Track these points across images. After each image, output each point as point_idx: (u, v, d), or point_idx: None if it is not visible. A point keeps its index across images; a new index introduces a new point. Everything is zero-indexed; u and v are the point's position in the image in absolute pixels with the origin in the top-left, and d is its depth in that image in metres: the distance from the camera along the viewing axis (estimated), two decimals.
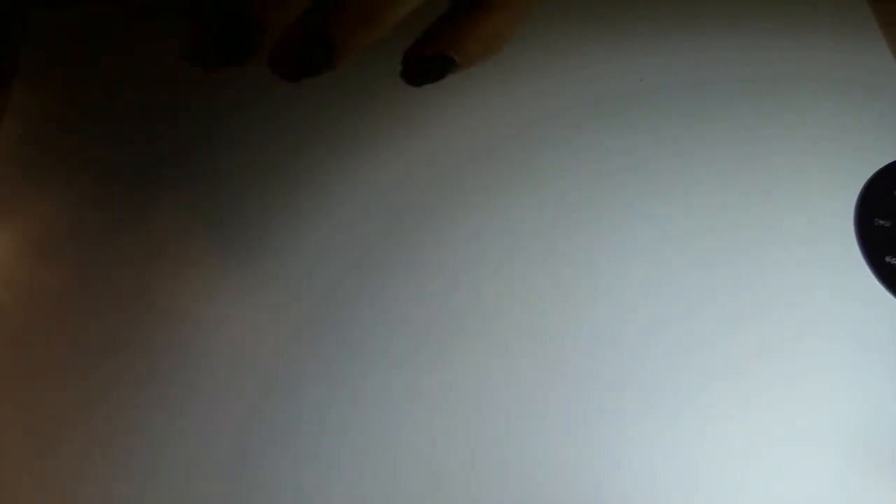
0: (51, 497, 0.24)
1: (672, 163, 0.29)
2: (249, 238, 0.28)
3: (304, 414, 0.25)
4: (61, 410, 0.25)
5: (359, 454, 0.24)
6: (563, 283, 0.27)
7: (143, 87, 0.32)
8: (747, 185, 0.29)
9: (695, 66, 0.32)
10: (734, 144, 0.30)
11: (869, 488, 0.23)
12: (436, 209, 0.29)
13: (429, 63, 0.24)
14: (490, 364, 0.25)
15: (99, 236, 0.29)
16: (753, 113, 0.30)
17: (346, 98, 0.32)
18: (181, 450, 0.24)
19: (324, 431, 0.24)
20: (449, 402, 0.25)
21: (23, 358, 0.26)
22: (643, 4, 0.34)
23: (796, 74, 0.31)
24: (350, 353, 0.26)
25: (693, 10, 0.34)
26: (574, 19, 0.34)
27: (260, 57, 0.20)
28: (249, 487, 0.24)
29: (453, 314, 0.26)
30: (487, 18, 0.24)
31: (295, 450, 0.24)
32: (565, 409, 0.24)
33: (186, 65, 0.20)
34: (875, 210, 0.27)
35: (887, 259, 0.26)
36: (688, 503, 0.23)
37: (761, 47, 0.32)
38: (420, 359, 0.26)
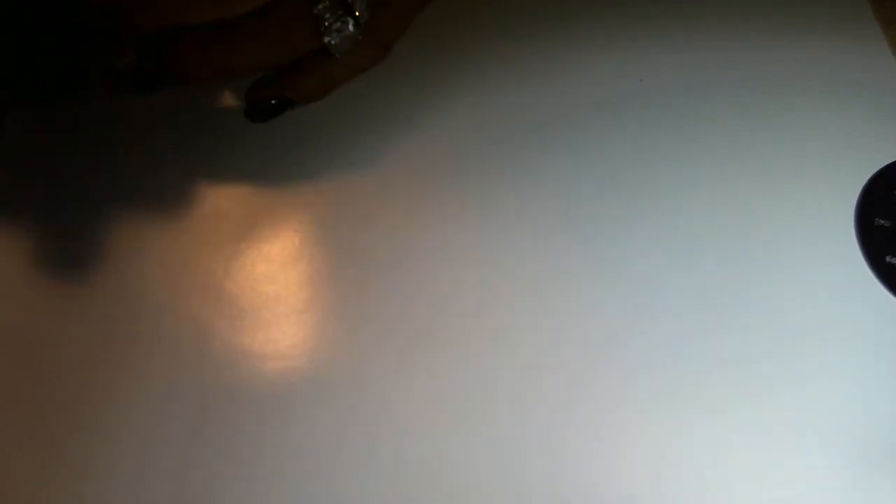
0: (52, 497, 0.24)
1: (672, 163, 0.29)
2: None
3: (297, 414, 0.25)
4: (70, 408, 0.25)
5: (354, 456, 0.24)
6: (561, 282, 0.27)
7: None
8: (747, 184, 0.29)
9: (695, 67, 0.32)
10: (734, 145, 0.30)
11: (869, 488, 0.23)
12: (434, 209, 0.29)
13: (269, 103, 0.29)
14: (488, 361, 0.25)
15: (97, 237, 0.29)
16: (753, 113, 0.30)
17: (343, 99, 0.32)
18: (175, 447, 0.24)
19: (318, 431, 0.25)
20: (443, 402, 0.25)
21: (23, 357, 0.26)
22: (643, 4, 0.34)
23: (796, 74, 0.31)
24: (346, 351, 0.26)
25: (693, 10, 0.34)
26: (574, 20, 0.34)
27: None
28: (248, 488, 0.24)
29: (452, 313, 0.26)
30: (324, 66, 0.29)
31: (286, 450, 0.24)
32: (562, 407, 0.24)
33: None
34: (875, 210, 0.27)
35: (887, 259, 0.26)
36: (686, 502, 0.23)
37: (761, 48, 0.32)
38: (417, 358, 0.26)
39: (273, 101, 0.29)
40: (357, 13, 0.28)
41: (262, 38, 0.27)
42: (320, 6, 0.27)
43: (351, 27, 0.28)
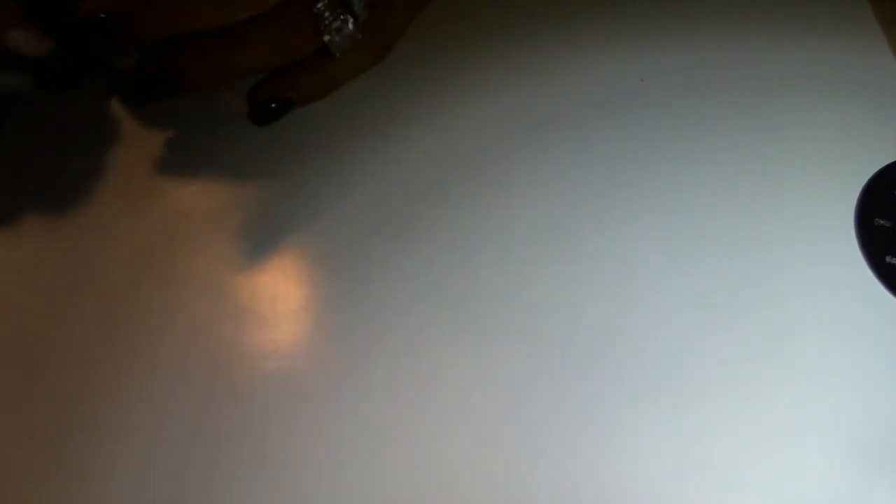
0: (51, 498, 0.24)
1: (672, 163, 0.29)
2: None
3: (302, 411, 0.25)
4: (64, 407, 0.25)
5: (355, 455, 0.24)
6: (559, 281, 0.27)
7: None
8: (747, 184, 0.29)
9: (695, 67, 0.32)
10: (734, 144, 0.30)
11: (868, 488, 0.23)
12: (436, 206, 0.29)
13: (270, 106, 0.29)
14: (491, 361, 0.25)
15: (91, 235, 0.29)
16: (753, 113, 0.30)
17: (344, 100, 0.32)
18: (175, 447, 0.24)
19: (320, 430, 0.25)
20: (446, 401, 0.25)
21: (23, 357, 0.26)
22: (643, 4, 0.34)
23: (796, 74, 0.31)
24: (346, 351, 0.26)
25: (693, 10, 0.34)
26: (574, 20, 0.34)
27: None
28: (249, 487, 0.24)
29: (455, 311, 0.26)
30: (325, 66, 0.29)
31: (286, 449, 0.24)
32: (560, 405, 0.24)
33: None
34: (875, 210, 0.27)
35: (887, 259, 0.26)
36: (685, 501, 0.23)
37: (761, 48, 0.32)
38: (419, 357, 0.26)
39: (273, 105, 0.29)
40: (356, 11, 0.28)
41: (262, 41, 0.28)
42: (320, 5, 0.27)
43: (351, 25, 0.28)
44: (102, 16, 0.25)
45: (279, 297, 0.27)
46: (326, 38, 0.28)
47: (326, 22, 0.27)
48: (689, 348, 0.25)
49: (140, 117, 0.32)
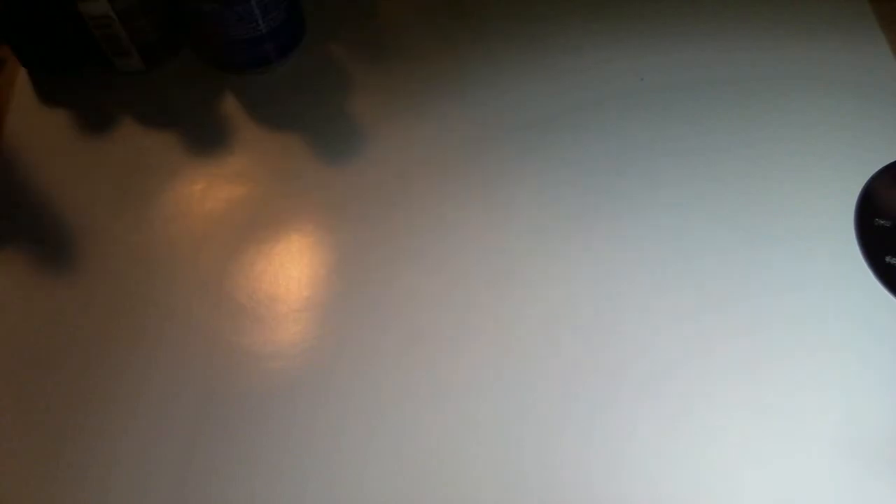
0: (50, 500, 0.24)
1: (672, 162, 0.29)
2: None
3: (299, 413, 0.25)
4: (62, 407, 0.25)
5: (353, 453, 0.24)
6: (559, 280, 0.27)
7: None
8: (747, 184, 0.29)
9: (695, 66, 0.32)
10: (734, 144, 0.30)
11: (867, 486, 0.23)
12: (435, 208, 0.29)
13: None
14: (488, 355, 0.25)
15: (90, 235, 0.29)
16: (753, 112, 0.30)
17: (345, 100, 0.32)
18: (175, 447, 0.24)
19: (320, 430, 0.25)
20: (443, 399, 0.25)
21: (25, 358, 0.26)
22: (643, 4, 0.34)
23: (796, 74, 0.31)
24: (345, 350, 0.26)
25: (693, 10, 0.34)
26: (574, 19, 0.34)
27: None
28: (249, 488, 0.24)
29: (454, 308, 0.26)
30: None
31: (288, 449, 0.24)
32: (562, 405, 0.25)
33: None
34: (875, 210, 0.27)
35: (887, 259, 0.26)
36: (685, 501, 0.23)
37: (761, 48, 0.32)
38: (418, 356, 0.26)
39: None
40: None
41: None
42: None
43: None
44: None
45: (279, 297, 0.27)
46: None
47: None
48: (687, 350, 0.25)
49: (139, 119, 0.32)
